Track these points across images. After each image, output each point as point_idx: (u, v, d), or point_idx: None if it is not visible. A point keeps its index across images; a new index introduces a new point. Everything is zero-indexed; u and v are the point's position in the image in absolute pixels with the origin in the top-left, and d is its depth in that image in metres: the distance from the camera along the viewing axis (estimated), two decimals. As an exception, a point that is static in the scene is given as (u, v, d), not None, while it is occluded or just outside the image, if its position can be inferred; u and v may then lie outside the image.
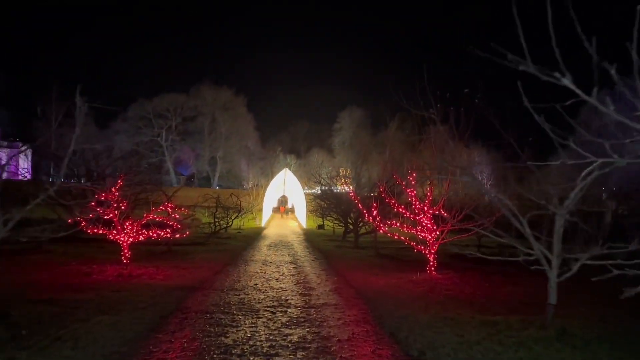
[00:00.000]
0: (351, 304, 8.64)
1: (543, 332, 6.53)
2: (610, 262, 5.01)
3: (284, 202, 59.93)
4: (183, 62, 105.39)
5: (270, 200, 48.48)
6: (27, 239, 7.82)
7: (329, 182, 24.75)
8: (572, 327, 6.73)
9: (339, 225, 25.04)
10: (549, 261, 6.72)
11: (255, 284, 10.56)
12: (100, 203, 11.65)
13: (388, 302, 8.76)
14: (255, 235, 26.65)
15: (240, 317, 7.42)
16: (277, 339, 6.22)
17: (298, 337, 6.30)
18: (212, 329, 6.62)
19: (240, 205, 25.56)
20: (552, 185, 7.33)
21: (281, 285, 10.48)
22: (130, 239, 11.94)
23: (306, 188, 41.71)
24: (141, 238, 12.13)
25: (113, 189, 11.60)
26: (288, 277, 11.77)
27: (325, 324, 7.11)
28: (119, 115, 67.14)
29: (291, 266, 13.98)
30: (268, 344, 5.96)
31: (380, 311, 8.01)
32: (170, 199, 21.03)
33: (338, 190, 25.25)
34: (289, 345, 5.95)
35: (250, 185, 57.34)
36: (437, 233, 11.52)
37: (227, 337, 6.22)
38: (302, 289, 10.17)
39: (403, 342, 6.17)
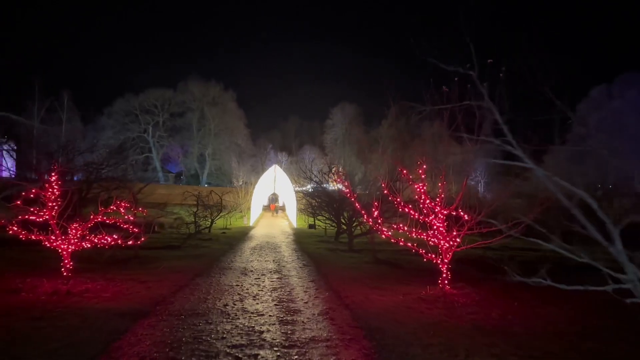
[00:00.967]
0: (348, 339, 6.31)
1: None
2: None
3: (275, 200, 57.55)
4: (170, 57, 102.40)
5: (259, 198, 46.07)
6: None
7: (320, 178, 22.41)
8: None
9: (331, 226, 22.70)
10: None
11: (225, 305, 8.19)
12: (31, 202, 9.21)
13: (397, 334, 6.46)
14: (241, 236, 24.24)
15: (188, 367, 5.09)
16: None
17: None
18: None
19: (221, 203, 23.09)
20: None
21: (258, 307, 8.13)
22: (72, 247, 9.50)
23: (296, 186, 39.33)
24: (88, 245, 9.68)
25: (48, 185, 9.15)
26: (269, 293, 9.42)
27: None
28: (105, 111, 64.35)
29: (275, 276, 11.63)
30: None
31: (388, 352, 5.70)
32: (135, 197, 18.69)
33: (330, 188, 22.93)
34: None
35: (240, 183, 54.85)
36: (456, 239, 9.24)
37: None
38: (285, 312, 7.83)
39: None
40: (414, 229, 9.55)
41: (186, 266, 12.71)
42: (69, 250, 9.43)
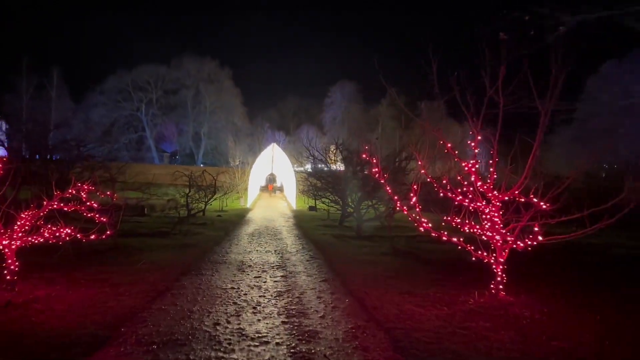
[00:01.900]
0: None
1: None
2: None
3: (272, 181, 55.29)
4: (164, 32, 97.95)
5: (257, 178, 43.77)
6: None
7: (324, 156, 20.02)
8: None
9: (338, 210, 20.47)
10: None
11: (216, 325, 5.97)
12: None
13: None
14: (238, 220, 22.02)
15: None
16: None
17: None
18: None
19: (215, 184, 20.72)
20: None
21: (260, 327, 5.92)
22: (17, 243, 7.19)
23: (296, 165, 36.95)
24: (37, 240, 7.35)
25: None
26: (273, 301, 7.23)
27: None
28: (96, 88, 61.19)
29: (278, 274, 9.44)
30: None
31: None
32: (113, 178, 16.41)
33: (333, 168, 20.61)
34: None
35: (237, 163, 52.38)
36: (515, 233, 7.02)
37: None
38: (297, 335, 5.63)
39: None
40: (459, 220, 7.33)
41: (172, 260, 10.48)
42: (13, 247, 7.12)
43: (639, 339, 5.61)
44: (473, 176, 7.21)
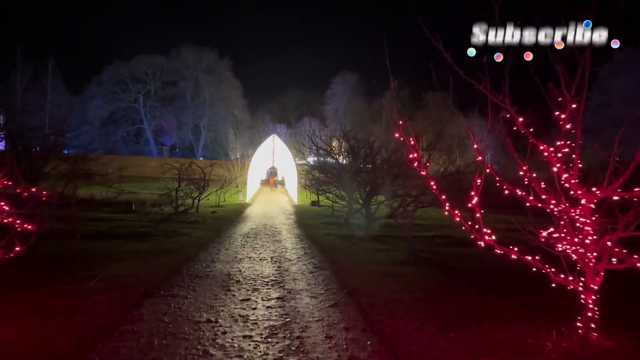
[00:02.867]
0: None
1: None
2: None
3: (274, 174, 53.01)
4: (162, 22, 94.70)
5: (257, 171, 41.48)
6: None
7: (329, 146, 17.59)
8: None
9: (344, 206, 18.12)
10: None
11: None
12: None
13: None
14: (234, 216, 19.73)
15: None
16: None
17: None
18: None
19: (205, 177, 18.31)
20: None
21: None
22: None
23: (297, 159, 34.55)
24: None
25: None
26: (261, 348, 4.91)
27: None
28: (93, 79, 58.75)
29: (274, 294, 7.13)
30: None
31: None
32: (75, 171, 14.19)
33: (335, 161, 18.20)
34: None
35: (238, 156, 50.00)
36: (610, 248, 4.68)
37: None
38: None
39: None
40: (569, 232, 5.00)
41: (141, 273, 8.16)
42: None
43: None
44: (557, 166, 4.84)
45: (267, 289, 7.46)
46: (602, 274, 4.92)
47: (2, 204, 5.24)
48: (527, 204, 5.10)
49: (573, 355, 4.65)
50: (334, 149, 17.36)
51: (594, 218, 4.85)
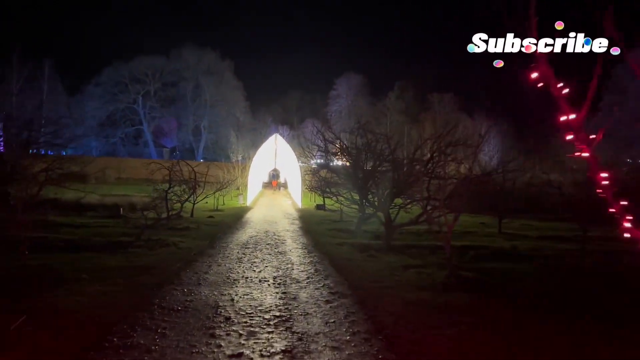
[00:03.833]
0: None
1: None
2: None
3: (276, 177, 50.68)
4: (162, 22, 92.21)
5: (259, 173, 39.22)
6: None
7: (340, 144, 15.03)
8: None
9: (355, 209, 15.77)
10: None
11: None
12: None
13: None
14: (232, 222, 17.43)
15: None
16: None
17: None
18: None
19: (195, 180, 15.90)
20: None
21: None
22: None
23: (301, 161, 32.19)
24: None
25: None
26: None
27: None
28: (92, 80, 56.61)
29: (279, 343, 4.80)
30: None
31: None
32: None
33: (348, 159, 15.80)
34: None
35: (240, 158, 47.75)
36: None
37: None
38: None
39: None
40: None
41: (94, 305, 5.85)
42: None
43: None
44: None
45: (269, 332, 5.14)
46: None
47: None
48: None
49: None
50: (346, 144, 14.97)
51: None
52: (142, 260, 8.98)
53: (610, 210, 3.91)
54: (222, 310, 5.89)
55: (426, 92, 64.36)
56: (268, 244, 12.07)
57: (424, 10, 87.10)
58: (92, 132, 48.96)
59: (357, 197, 15.86)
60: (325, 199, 23.58)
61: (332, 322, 5.52)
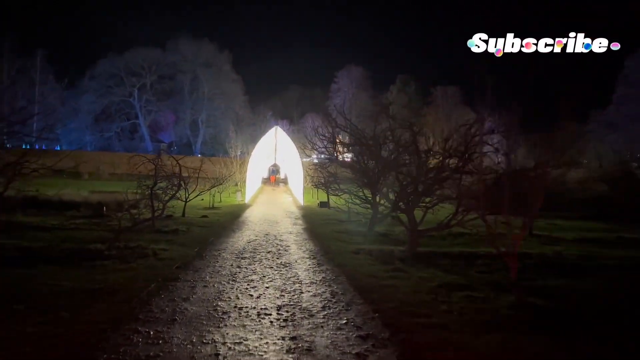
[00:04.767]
0: None
1: None
2: None
3: (276, 172, 48.56)
4: (159, 13, 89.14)
5: (258, 169, 37.06)
6: None
7: (357, 131, 12.75)
8: None
9: (368, 209, 13.63)
10: None
11: None
12: None
13: None
14: (228, 222, 15.31)
15: None
16: None
17: None
18: None
19: (180, 175, 13.62)
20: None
21: None
22: None
23: (303, 157, 30.00)
24: None
25: None
26: None
27: None
28: (87, 73, 54.19)
29: None
30: None
31: None
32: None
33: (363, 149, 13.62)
34: None
35: (239, 153, 45.56)
36: None
37: None
38: None
39: None
40: None
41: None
42: None
43: None
44: None
45: None
46: None
47: None
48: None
49: None
50: (361, 130, 12.77)
51: None
52: (108, 279, 6.82)
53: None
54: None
55: (428, 85, 62.22)
56: (269, 252, 9.92)
57: (426, 3, 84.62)
58: (84, 125, 46.54)
59: (369, 194, 13.75)
60: (329, 196, 21.45)
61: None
